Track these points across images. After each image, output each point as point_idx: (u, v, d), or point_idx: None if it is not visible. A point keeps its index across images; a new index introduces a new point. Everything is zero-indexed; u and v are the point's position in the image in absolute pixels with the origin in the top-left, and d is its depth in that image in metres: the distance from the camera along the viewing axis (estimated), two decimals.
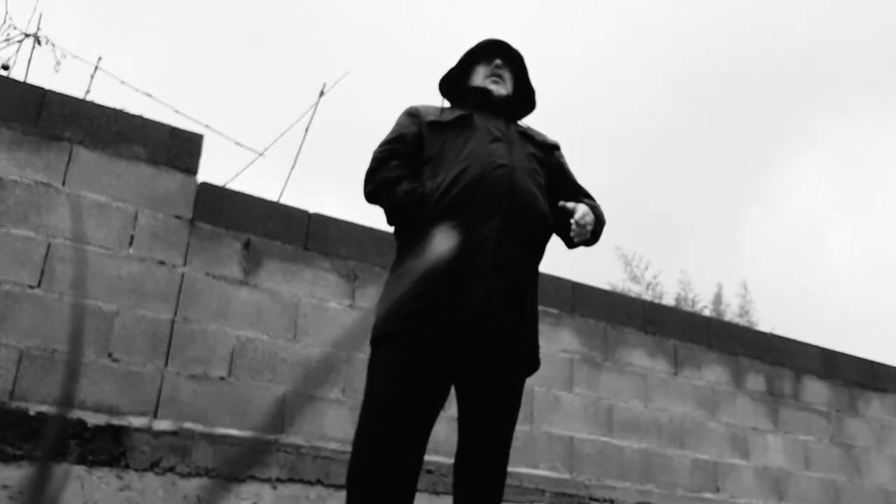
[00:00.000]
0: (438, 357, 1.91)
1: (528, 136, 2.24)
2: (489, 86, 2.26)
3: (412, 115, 2.20)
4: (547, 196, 2.17)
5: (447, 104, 2.34)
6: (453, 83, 2.36)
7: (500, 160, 2.05)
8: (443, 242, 1.84)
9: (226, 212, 3.40)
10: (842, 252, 30.64)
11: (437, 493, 3.47)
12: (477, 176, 1.99)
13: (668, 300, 16.04)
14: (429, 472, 3.47)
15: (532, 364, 2.07)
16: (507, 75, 2.30)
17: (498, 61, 2.30)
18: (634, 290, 15.86)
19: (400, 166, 2.08)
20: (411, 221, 2.02)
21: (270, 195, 3.58)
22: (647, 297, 15.56)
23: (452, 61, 2.37)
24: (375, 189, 2.08)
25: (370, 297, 3.64)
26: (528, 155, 2.15)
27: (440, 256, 1.87)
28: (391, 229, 2.18)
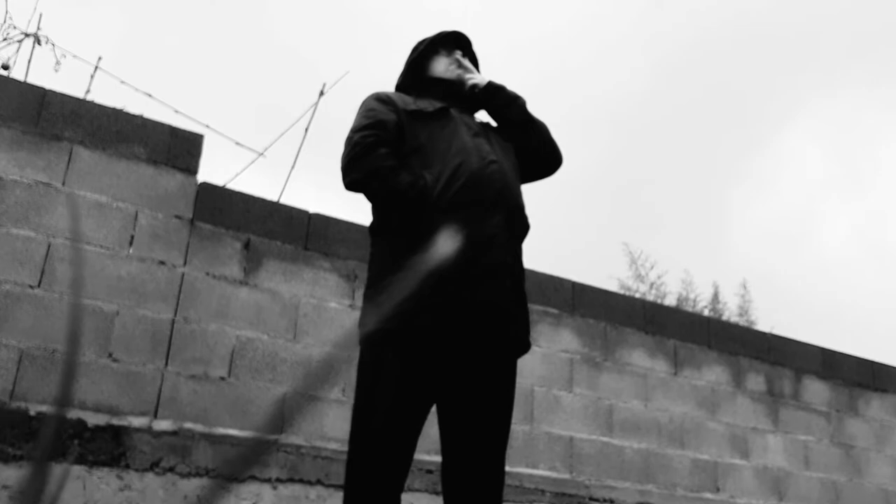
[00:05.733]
0: (445, 355, 1.90)
1: (495, 129, 2.23)
2: (465, 76, 2.24)
3: (385, 101, 2.09)
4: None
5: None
6: (414, 73, 2.30)
7: (490, 156, 2.03)
8: (451, 239, 1.84)
9: (226, 212, 3.40)
10: (838, 239, 30.30)
11: (437, 493, 3.47)
12: (476, 171, 1.97)
13: (671, 300, 16.05)
14: (429, 472, 3.47)
15: (525, 347, 2.06)
16: (470, 67, 2.28)
17: (459, 52, 2.28)
18: (641, 288, 15.87)
19: (390, 155, 1.97)
20: (410, 214, 1.92)
21: (271, 195, 3.59)
22: (651, 296, 15.57)
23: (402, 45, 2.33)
24: (366, 178, 1.95)
25: None
26: (505, 148, 2.16)
27: (450, 253, 1.87)
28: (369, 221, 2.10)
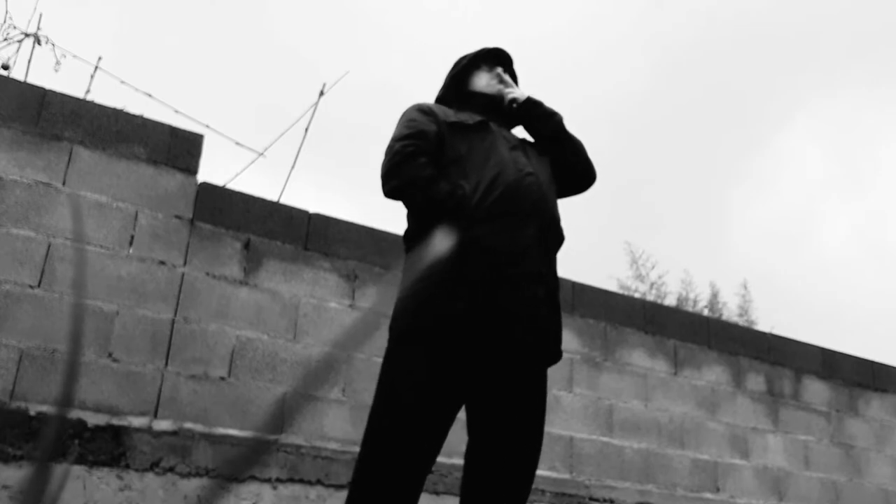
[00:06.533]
0: (472, 357, 1.88)
1: (532, 144, 2.27)
2: (504, 91, 2.28)
3: (427, 112, 2.12)
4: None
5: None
6: (456, 87, 2.35)
7: (527, 168, 2.06)
8: (447, 238, 1.85)
9: (226, 212, 3.40)
10: (838, 239, 30.23)
11: (437, 493, 3.47)
12: (512, 182, 1.99)
13: (671, 300, 16.05)
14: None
15: (555, 356, 2.08)
16: (511, 83, 2.33)
17: (500, 69, 2.33)
18: (641, 288, 15.88)
19: (429, 164, 2.00)
20: (448, 223, 1.94)
21: (271, 195, 3.59)
22: (651, 296, 15.57)
23: (440, 60, 2.37)
24: (404, 185, 1.98)
25: (370, 297, 3.64)
26: (542, 162, 2.19)
27: (482, 260, 1.88)
28: (394, 229, 2.16)
